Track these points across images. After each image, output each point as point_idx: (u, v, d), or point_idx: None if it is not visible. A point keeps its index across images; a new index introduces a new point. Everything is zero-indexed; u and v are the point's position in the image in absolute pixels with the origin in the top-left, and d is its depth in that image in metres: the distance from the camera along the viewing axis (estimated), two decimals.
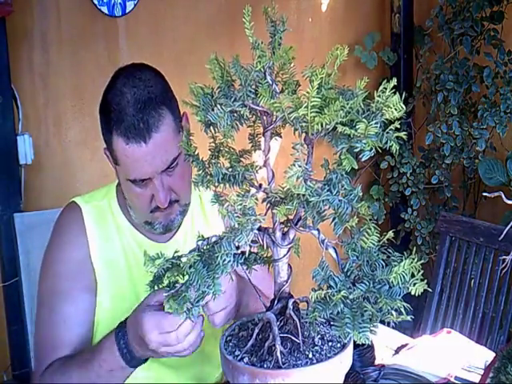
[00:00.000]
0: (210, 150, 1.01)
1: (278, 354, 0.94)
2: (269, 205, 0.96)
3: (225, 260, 0.92)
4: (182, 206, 1.44)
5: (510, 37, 2.99)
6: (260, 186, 0.96)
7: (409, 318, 0.88)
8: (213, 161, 1.00)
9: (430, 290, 0.91)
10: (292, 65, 0.93)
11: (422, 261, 0.90)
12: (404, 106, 0.87)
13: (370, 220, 0.94)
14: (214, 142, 1.00)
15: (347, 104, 0.86)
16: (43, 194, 2.50)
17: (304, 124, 0.87)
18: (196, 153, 1.01)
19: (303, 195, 0.89)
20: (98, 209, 1.48)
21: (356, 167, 0.89)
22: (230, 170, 0.96)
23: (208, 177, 0.98)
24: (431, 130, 3.06)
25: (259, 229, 0.97)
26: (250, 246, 0.99)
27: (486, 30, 2.99)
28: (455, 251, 2.25)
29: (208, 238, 1.00)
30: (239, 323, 1.08)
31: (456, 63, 3.02)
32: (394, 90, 0.88)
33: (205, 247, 0.99)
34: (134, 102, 1.34)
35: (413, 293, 0.89)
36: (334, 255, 0.95)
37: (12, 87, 2.31)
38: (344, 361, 0.98)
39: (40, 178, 2.52)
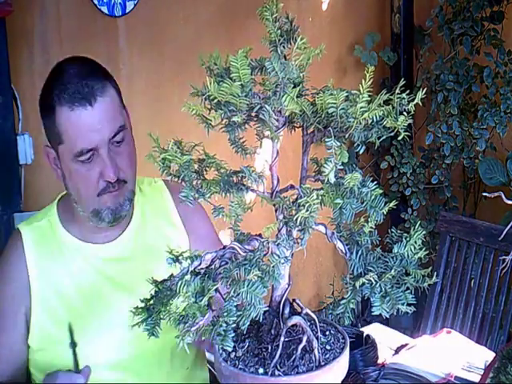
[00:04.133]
0: (199, 159, 0.98)
1: (316, 352, 0.95)
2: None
3: (281, 267, 0.92)
4: (130, 191, 1.39)
5: (510, 37, 3.00)
6: (292, 186, 0.97)
7: (434, 279, 0.95)
8: (196, 175, 0.98)
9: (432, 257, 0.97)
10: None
11: (425, 232, 0.97)
12: (421, 103, 0.92)
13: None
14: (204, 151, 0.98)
15: (380, 100, 0.90)
16: (43, 193, 2.50)
17: (352, 120, 0.88)
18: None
19: (353, 186, 0.91)
20: (37, 229, 1.44)
21: (346, 161, 0.91)
22: (233, 176, 0.96)
23: (199, 190, 0.97)
24: (431, 130, 3.06)
25: (259, 235, 0.97)
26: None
27: (486, 29, 2.99)
28: (455, 251, 2.25)
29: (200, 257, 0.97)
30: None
31: (456, 63, 3.02)
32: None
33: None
34: (77, 72, 1.34)
35: (420, 255, 0.95)
36: (343, 247, 0.96)
37: (12, 87, 2.31)
38: (347, 355, 1.00)
39: (40, 178, 2.52)
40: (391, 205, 0.94)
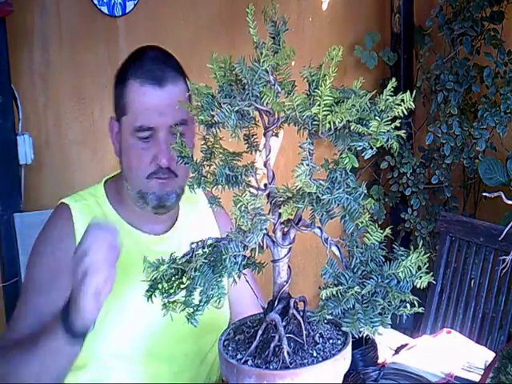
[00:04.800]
0: (201, 151, 1.01)
1: (285, 354, 0.94)
2: (272, 205, 0.96)
3: (233, 262, 0.92)
4: (179, 186, 1.42)
5: (510, 37, 2.99)
6: (265, 185, 0.96)
7: (420, 309, 0.89)
8: (205, 162, 1.00)
9: (434, 281, 0.93)
10: (287, 65, 0.93)
11: (429, 254, 0.92)
12: (413, 104, 0.88)
13: (370, 218, 0.94)
14: (205, 144, 1.00)
15: (357, 103, 0.86)
16: (43, 193, 2.50)
17: (315, 123, 0.87)
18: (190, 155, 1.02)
19: (314, 193, 0.90)
20: (86, 207, 1.46)
21: (357, 165, 0.90)
22: (233, 170, 0.96)
23: (203, 178, 0.98)
24: (431, 130, 3.06)
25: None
26: (262, 247, 0.99)
27: (486, 29, 2.99)
28: (455, 251, 2.25)
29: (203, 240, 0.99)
30: (233, 327, 1.08)
31: (456, 63, 3.02)
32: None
33: (207, 249, 0.99)
34: (156, 57, 1.43)
35: (418, 286, 0.90)
36: (338, 253, 0.95)
37: (12, 87, 2.31)
38: (347, 357, 0.99)
39: (40, 177, 2.52)
40: (363, 219, 0.91)
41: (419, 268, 0.90)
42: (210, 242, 1.00)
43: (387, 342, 1.71)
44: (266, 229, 0.95)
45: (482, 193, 2.08)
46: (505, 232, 2.04)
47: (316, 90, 0.86)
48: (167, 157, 1.36)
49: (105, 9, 2.61)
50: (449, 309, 2.22)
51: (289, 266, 1.01)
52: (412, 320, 3.35)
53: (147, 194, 1.40)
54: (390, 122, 0.88)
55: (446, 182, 3.15)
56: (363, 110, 0.87)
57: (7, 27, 2.26)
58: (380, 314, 0.88)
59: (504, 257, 1.99)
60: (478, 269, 2.17)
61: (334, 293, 0.90)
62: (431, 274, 0.91)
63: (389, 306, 0.88)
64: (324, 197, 0.90)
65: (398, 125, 0.88)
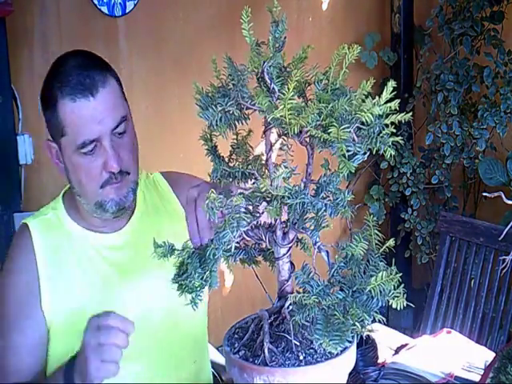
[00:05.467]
0: (231, 146, 1.00)
1: (266, 351, 0.94)
2: (265, 204, 0.96)
3: (215, 254, 0.92)
4: (133, 182, 1.40)
5: (510, 37, 3.00)
6: (253, 183, 0.96)
7: (373, 330, 0.87)
8: (233, 156, 0.99)
9: (412, 305, 0.90)
10: (301, 64, 0.93)
11: (401, 274, 0.87)
12: (379, 110, 0.84)
13: (374, 226, 0.93)
14: (236, 139, 0.99)
15: (327, 107, 0.85)
16: (43, 193, 2.50)
17: (284, 125, 0.86)
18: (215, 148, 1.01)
19: (283, 197, 0.89)
20: (45, 222, 1.45)
21: (353, 171, 0.87)
22: (251, 169, 0.97)
23: (226, 173, 0.98)
24: (431, 130, 3.06)
25: (268, 226, 0.97)
26: (255, 243, 0.99)
27: (486, 29, 2.99)
28: (455, 251, 2.25)
29: None
30: (253, 317, 1.07)
31: (456, 63, 3.02)
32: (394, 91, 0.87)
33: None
34: (78, 64, 1.36)
35: (394, 306, 0.86)
36: (326, 259, 0.95)
37: (12, 87, 2.31)
38: (337, 366, 0.96)
39: (40, 177, 2.52)
40: (326, 228, 0.89)
41: (395, 287, 0.86)
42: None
43: (387, 341, 1.71)
44: (269, 225, 0.94)
45: (482, 193, 2.09)
46: (505, 232, 2.04)
47: (280, 94, 0.85)
48: (117, 161, 1.33)
49: (105, 9, 2.61)
50: (449, 309, 2.22)
51: (292, 264, 1.01)
52: (412, 320, 3.35)
53: (105, 203, 1.37)
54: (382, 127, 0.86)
55: (446, 182, 3.15)
56: (331, 116, 0.85)
57: (7, 27, 2.26)
58: (340, 329, 0.85)
59: (504, 257, 1.99)
60: (478, 269, 2.17)
61: (297, 299, 0.89)
62: (404, 296, 0.86)
63: (346, 321, 0.85)
64: (288, 201, 0.89)
65: (394, 130, 0.86)
